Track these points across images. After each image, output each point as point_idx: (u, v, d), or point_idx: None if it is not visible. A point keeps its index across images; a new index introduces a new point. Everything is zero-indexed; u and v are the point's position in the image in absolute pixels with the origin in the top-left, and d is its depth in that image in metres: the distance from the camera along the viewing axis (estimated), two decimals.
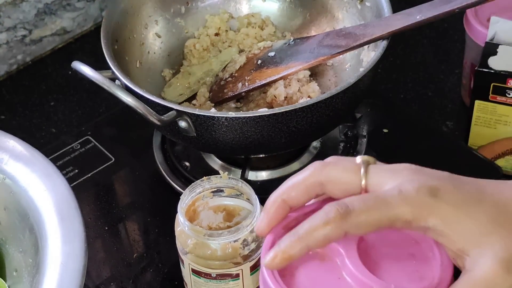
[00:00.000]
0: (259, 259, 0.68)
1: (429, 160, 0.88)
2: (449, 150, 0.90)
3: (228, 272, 0.68)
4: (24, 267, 0.69)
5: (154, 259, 0.81)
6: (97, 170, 0.90)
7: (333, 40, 0.83)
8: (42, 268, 0.62)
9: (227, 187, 0.71)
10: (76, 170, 0.90)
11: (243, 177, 0.83)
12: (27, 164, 0.70)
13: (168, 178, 0.88)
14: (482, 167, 0.87)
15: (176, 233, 0.70)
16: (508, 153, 0.94)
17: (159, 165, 0.89)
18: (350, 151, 0.88)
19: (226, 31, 0.96)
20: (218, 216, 0.71)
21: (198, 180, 0.72)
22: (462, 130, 0.97)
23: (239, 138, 0.76)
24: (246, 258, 0.68)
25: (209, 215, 0.71)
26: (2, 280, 0.71)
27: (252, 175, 0.85)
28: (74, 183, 0.88)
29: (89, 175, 0.90)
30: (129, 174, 0.91)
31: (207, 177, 0.72)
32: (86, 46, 1.13)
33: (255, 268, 0.69)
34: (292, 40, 0.89)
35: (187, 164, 0.89)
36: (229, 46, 0.95)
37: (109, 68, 0.80)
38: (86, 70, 0.77)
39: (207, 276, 0.68)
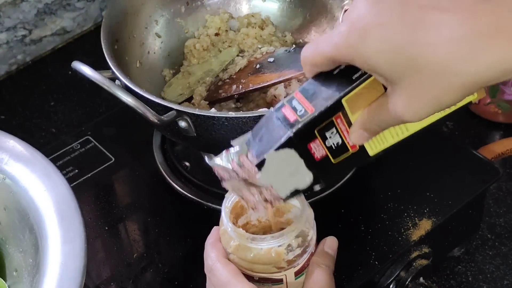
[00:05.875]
0: (304, 264, 0.66)
1: (429, 160, 0.89)
2: (449, 150, 0.90)
3: (271, 276, 0.66)
4: (24, 267, 0.69)
5: (154, 259, 0.81)
6: (97, 170, 0.90)
7: None
8: (42, 268, 0.62)
9: None
10: (76, 170, 0.90)
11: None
12: (27, 164, 0.70)
13: (168, 178, 0.88)
14: (482, 167, 0.87)
15: (220, 232, 0.68)
16: (508, 153, 0.94)
17: (159, 165, 0.89)
18: None
19: (226, 31, 0.96)
20: (268, 212, 0.69)
21: None
22: (462, 130, 0.97)
23: None
24: (290, 263, 0.65)
25: (259, 210, 0.69)
26: (2, 280, 0.71)
27: None
28: (74, 183, 0.88)
29: (89, 175, 0.90)
30: (129, 174, 0.91)
31: None
32: (86, 46, 1.13)
33: (300, 273, 0.67)
34: (293, 48, 0.90)
35: (187, 164, 0.89)
36: (229, 46, 0.95)
37: (109, 68, 0.80)
38: (86, 70, 0.77)
39: (250, 278, 0.66)
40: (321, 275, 0.65)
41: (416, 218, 0.82)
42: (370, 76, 0.52)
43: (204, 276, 0.75)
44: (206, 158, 0.60)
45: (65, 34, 1.13)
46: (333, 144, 0.55)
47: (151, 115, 0.75)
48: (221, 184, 0.60)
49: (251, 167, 0.56)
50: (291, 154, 0.55)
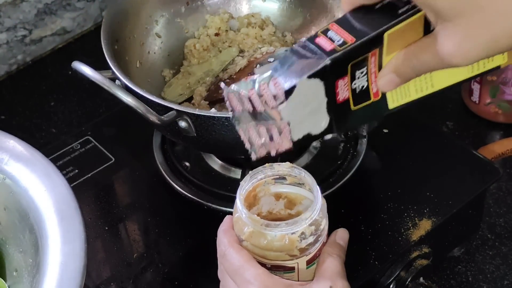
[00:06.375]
0: (315, 253, 0.67)
1: (429, 160, 0.89)
2: (449, 150, 0.90)
3: (283, 264, 0.66)
4: (24, 267, 0.69)
5: (154, 259, 0.81)
6: (97, 170, 0.90)
7: None
8: (42, 268, 0.62)
9: (289, 175, 0.69)
10: (76, 170, 0.90)
11: (243, 177, 0.83)
12: (27, 164, 0.70)
13: (168, 178, 0.88)
14: (482, 167, 0.87)
15: (234, 220, 0.68)
16: (508, 153, 0.94)
17: (159, 165, 0.89)
18: (350, 151, 0.88)
19: (226, 31, 0.96)
20: (279, 203, 0.69)
21: (260, 167, 0.69)
22: (462, 130, 0.97)
23: (239, 138, 0.76)
24: (303, 251, 0.65)
25: (270, 201, 0.69)
26: (2, 280, 0.71)
27: None
28: (74, 183, 0.88)
29: (89, 175, 0.90)
30: (129, 174, 0.91)
31: (269, 164, 0.69)
32: (86, 46, 1.13)
33: (312, 261, 0.67)
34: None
35: (187, 164, 0.89)
36: (229, 46, 0.95)
37: (109, 68, 0.80)
38: (86, 70, 0.77)
39: (262, 266, 0.66)
40: (333, 264, 0.66)
41: (416, 218, 0.82)
42: (416, 12, 0.50)
43: (204, 275, 0.75)
44: (222, 84, 0.56)
45: (65, 34, 1.13)
46: (358, 86, 0.53)
47: (151, 115, 0.75)
48: (230, 118, 0.57)
49: (275, 93, 0.52)
50: (318, 89, 0.52)
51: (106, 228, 0.85)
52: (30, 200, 0.68)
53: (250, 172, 0.69)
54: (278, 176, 0.69)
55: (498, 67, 0.57)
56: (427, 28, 0.51)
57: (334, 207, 0.84)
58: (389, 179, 0.87)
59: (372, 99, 0.55)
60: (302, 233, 0.65)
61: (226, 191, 0.85)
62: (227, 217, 0.68)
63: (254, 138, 0.56)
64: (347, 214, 0.83)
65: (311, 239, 0.65)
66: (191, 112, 0.75)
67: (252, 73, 0.88)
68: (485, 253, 0.91)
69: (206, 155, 0.90)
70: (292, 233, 0.64)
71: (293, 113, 0.53)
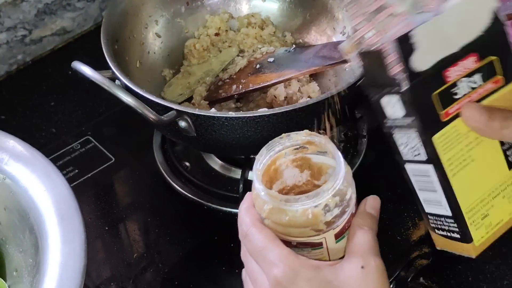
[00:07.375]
0: (344, 226, 0.61)
1: None
2: None
3: (309, 240, 0.60)
4: (24, 267, 0.69)
5: (154, 259, 0.81)
6: (97, 170, 0.90)
7: (329, 51, 0.84)
8: (42, 268, 0.62)
9: (309, 143, 0.63)
10: (76, 170, 0.90)
11: (243, 177, 0.83)
12: (27, 164, 0.70)
13: (168, 178, 0.88)
14: None
15: (253, 197, 0.62)
16: None
17: (159, 165, 0.89)
18: (350, 151, 0.88)
19: (226, 31, 0.96)
20: (304, 174, 0.64)
21: (277, 138, 0.63)
22: None
23: (239, 138, 0.76)
24: (329, 224, 0.59)
25: (295, 173, 0.64)
26: (2, 280, 0.71)
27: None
28: (74, 183, 0.88)
29: (89, 175, 0.90)
30: (129, 174, 0.91)
31: (286, 134, 0.63)
32: (86, 46, 1.13)
33: (340, 235, 0.61)
34: (293, 48, 0.90)
35: (187, 164, 0.89)
36: (229, 46, 0.95)
37: (109, 68, 0.80)
38: (86, 70, 0.77)
39: (287, 244, 0.60)
40: (364, 238, 0.60)
41: (416, 218, 0.82)
42: None
43: (204, 275, 0.75)
44: None
45: (65, 34, 1.13)
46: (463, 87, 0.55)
47: (151, 115, 0.75)
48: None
49: None
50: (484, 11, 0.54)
51: (106, 228, 0.85)
52: (30, 200, 0.68)
53: (266, 145, 0.63)
54: (298, 146, 0.63)
55: None
56: None
57: None
58: (389, 179, 0.87)
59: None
60: (326, 205, 0.59)
61: (226, 191, 0.85)
62: (248, 194, 0.63)
63: (361, 30, 0.56)
64: None
65: (336, 211, 0.59)
66: (191, 112, 0.75)
67: (252, 73, 0.88)
68: (485, 253, 0.90)
69: (206, 155, 0.90)
70: (315, 206, 0.59)
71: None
